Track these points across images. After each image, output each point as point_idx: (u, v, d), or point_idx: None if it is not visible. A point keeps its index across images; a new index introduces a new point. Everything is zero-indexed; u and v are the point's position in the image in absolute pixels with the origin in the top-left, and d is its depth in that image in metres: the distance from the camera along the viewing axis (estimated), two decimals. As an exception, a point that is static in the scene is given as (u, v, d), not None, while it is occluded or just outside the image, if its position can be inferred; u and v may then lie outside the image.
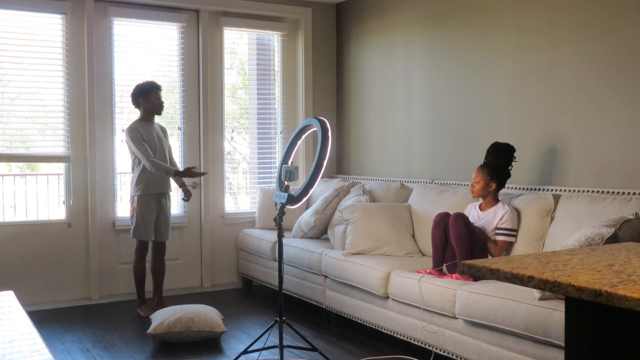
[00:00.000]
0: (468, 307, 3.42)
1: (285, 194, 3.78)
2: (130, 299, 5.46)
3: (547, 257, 2.03)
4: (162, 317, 4.25)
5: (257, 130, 6.22)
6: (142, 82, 4.99)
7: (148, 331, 4.22)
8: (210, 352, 4.12)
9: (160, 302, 4.99)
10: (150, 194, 4.88)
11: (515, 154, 4.04)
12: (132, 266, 5.05)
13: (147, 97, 4.90)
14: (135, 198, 4.88)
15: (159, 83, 5.01)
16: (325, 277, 4.70)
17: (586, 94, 3.93)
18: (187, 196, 5.11)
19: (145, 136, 4.84)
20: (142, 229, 4.90)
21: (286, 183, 3.91)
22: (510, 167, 4.03)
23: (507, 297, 3.23)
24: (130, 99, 5.00)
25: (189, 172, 4.93)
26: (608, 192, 3.69)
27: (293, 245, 5.09)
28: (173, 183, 5.09)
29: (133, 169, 4.93)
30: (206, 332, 4.22)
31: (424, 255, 4.58)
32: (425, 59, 5.20)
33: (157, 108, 4.97)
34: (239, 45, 6.23)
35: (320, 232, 5.25)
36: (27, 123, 5.38)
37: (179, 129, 5.78)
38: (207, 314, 4.28)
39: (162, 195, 4.97)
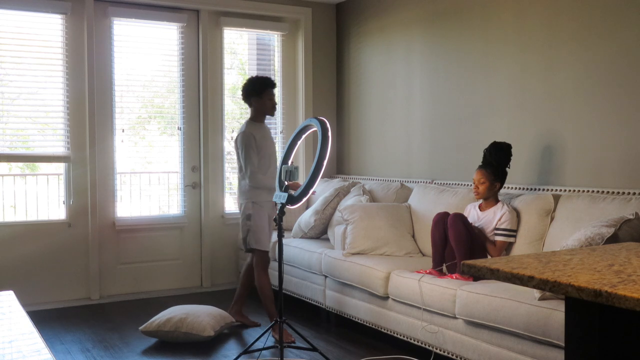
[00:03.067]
0: (468, 307, 3.42)
1: (285, 194, 3.78)
2: (130, 299, 5.46)
3: (547, 257, 2.03)
4: (157, 316, 4.31)
5: (257, 130, 6.21)
6: (256, 76, 4.55)
7: (140, 328, 4.28)
8: (210, 352, 4.12)
9: (240, 311, 4.70)
10: (264, 201, 4.45)
11: (512, 152, 4.05)
12: (257, 284, 4.47)
13: (260, 96, 4.44)
14: (251, 205, 4.42)
15: (274, 80, 4.54)
16: (325, 277, 4.70)
17: (586, 94, 3.93)
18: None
19: (260, 142, 4.39)
20: (264, 238, 4.45)
21: (286, 183, 3.90)
22: (508, 167, 4.04)
23: (507, 297, 3.23)
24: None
25: (295, 186, 4.56)
26: (608, 192, 3.69)
27: (293, 245, 5.09)
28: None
29: (241, 173, 4.49)
30: (193, 334, 4.19)
31: (424, 255, 4.58)
32: (425, 59, 5.20)
33: (270, 111, 4.49)
34: (239, 45, 6.23)
35: (320, 232, 5.25)
36: (27, 123, 5.38)
37: (179, 129, 5.78)
38: (199, 317, 4.25)
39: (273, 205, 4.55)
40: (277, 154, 4.77)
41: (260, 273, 4.45)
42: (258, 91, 4.43)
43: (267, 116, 4.57)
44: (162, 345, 4.24)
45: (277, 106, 4.60)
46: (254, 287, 4.61)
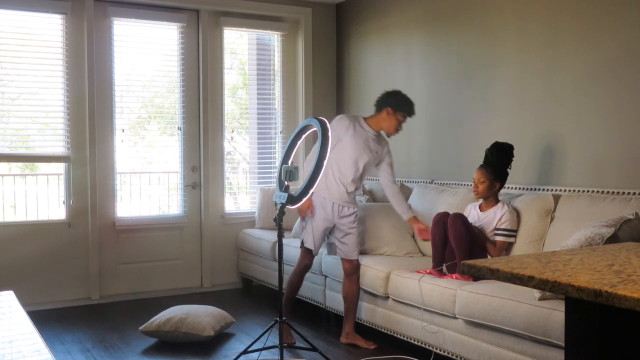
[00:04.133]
0: (468, 307, 3.42)
1: (285, 194, 3.77)
2: (130, 299, 5.46)
3: (547, 257, 2.03)
4: (157, 316, 4.31)
5: (257, 130, 6.22)
6: (403, 94, 4.26)
7: (140, 328, 4.28)
8: (210, 352, 4.12)
9: (350, 333, 4.29)
10: (322, 197, 4.26)
11: (514, 153, 4.04)
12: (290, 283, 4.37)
13: (395, 111, 4.19)
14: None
15: (415, 111, 4.24)
16: (325, 277, 4.70)
17: (586, 94, 3.93)
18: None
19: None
20: (306, 236, 4.28)
21: (286, 183, 3.90)
22: (509, 167, 4.03)
23: (507, 297, 3.23)
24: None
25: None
26: (608, 192, 3.69)
27: (293, 245, 5.08)
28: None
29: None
30: (193, 334, 4.19)
31: (424, 255, 4.58)
32: (425, 59, 5.20)
33: (389, 129, 4.23)
34: (239, 45, 6.23)
35: (320, 232, 5.24)
36: (27, 123, 5.38)
37: (179, 129, 5.78)
38: (199, 317, 4.25)
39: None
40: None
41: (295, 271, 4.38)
42: (397, 106, 4.20)
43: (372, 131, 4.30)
44: (162, 345, 4.24)
45: (399, 131, 4.27)
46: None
